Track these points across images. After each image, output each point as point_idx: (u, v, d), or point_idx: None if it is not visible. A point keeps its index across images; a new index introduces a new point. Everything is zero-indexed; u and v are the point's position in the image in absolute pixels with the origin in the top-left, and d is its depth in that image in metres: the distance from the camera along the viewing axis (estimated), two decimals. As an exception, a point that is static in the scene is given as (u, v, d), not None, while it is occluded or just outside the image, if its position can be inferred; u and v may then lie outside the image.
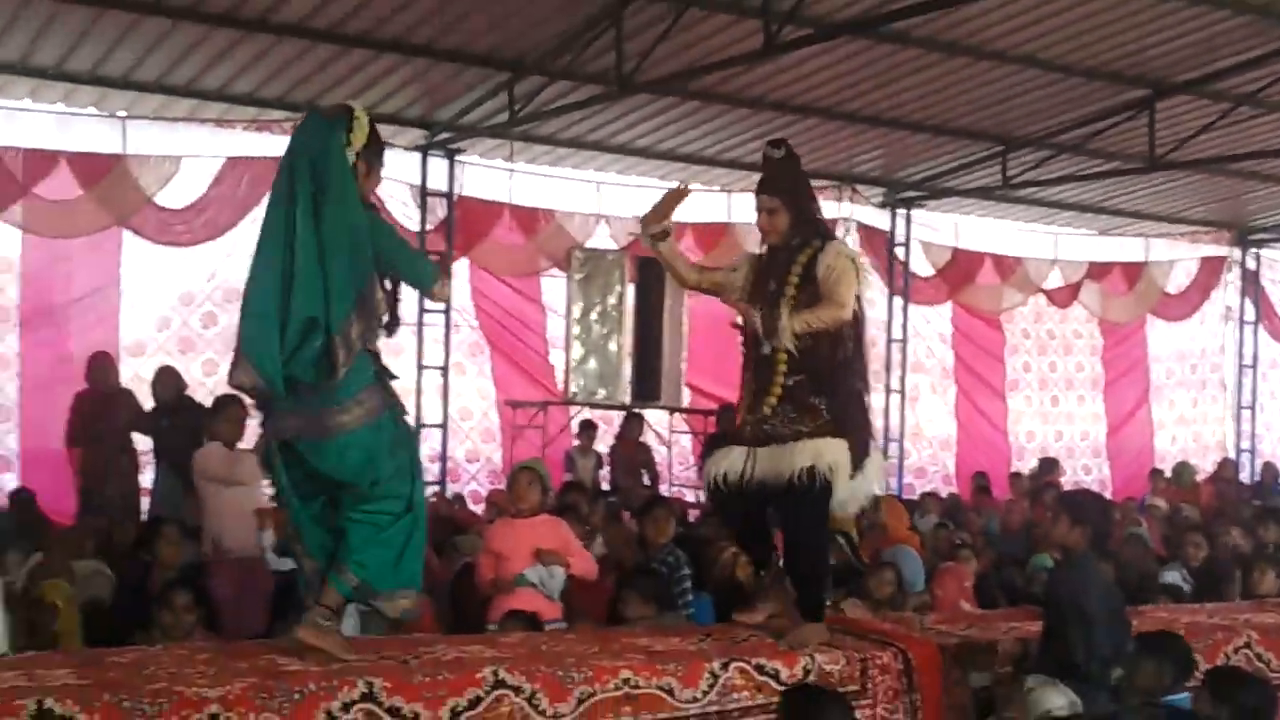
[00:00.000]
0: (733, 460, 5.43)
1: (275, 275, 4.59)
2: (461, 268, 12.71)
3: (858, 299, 5.43)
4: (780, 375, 5.32)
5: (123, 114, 11.09)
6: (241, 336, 4.68)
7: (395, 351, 12.00)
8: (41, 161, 10.78)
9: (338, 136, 4.70)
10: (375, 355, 4.79)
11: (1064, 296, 16.29)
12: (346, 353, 4.53)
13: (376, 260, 4.71)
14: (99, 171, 10.95)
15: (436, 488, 12.38)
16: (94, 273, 11.20)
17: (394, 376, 4.90)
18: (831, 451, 5.25)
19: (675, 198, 5.61)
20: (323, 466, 4.72)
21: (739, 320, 5.50)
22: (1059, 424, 16.65)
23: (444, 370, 12.68)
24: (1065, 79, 11.62)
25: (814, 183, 14.76)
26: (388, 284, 4.82)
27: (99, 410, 9.77)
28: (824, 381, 5.35)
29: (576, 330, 12.72)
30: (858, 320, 5.46)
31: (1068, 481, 14.52)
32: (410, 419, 12.08)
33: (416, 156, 12.20)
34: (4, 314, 11.07)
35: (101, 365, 10.04)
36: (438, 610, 7.27)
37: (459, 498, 12.04)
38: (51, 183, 10.81)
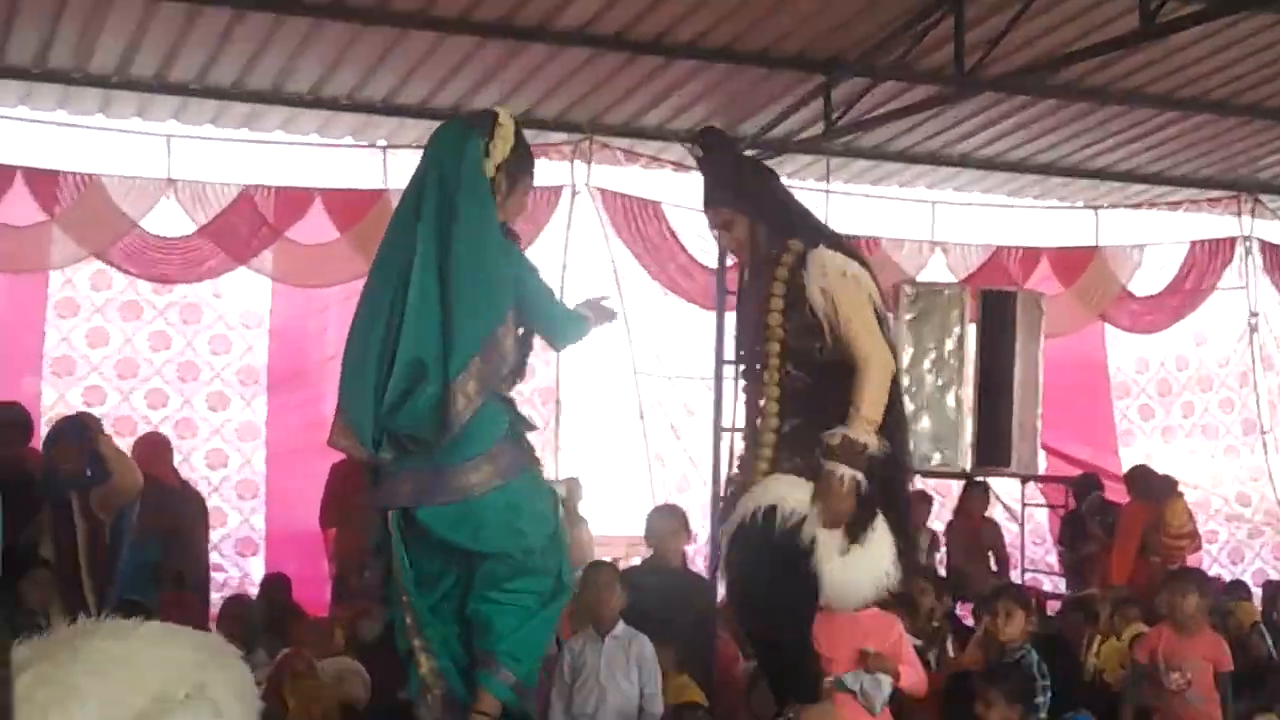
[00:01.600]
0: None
1: (381, 314, 4.61)
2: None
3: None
4: (771, 430, 4.85)
5: (383, 144, 11.47)
6: (341, 392, 4.71)
7: (689, 412, 12.18)
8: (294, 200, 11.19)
9: (474, 146, 4.66)
10: (510, 403, 4.76)
11: None
12: (466, 404, 4.44)
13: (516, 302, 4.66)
14: (359, 211, 11.19)
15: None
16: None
17: (532, 427, 4.85)
18: (799, 493, 4.74)
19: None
20: (455, 537, 4.61)
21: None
22: None
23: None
24: None
25: (1208, 193, 13.90)
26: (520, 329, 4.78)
27: (357, 484, 9.93)
28: (824, 425, 4.75)
29: (906, 381, 12.43)
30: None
31: None
32: (710, 485, 12.00)
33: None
34: (251, 375, 11.36)
35: (361, 432, 10.26)
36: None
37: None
38: (304, 225, 11.17)
